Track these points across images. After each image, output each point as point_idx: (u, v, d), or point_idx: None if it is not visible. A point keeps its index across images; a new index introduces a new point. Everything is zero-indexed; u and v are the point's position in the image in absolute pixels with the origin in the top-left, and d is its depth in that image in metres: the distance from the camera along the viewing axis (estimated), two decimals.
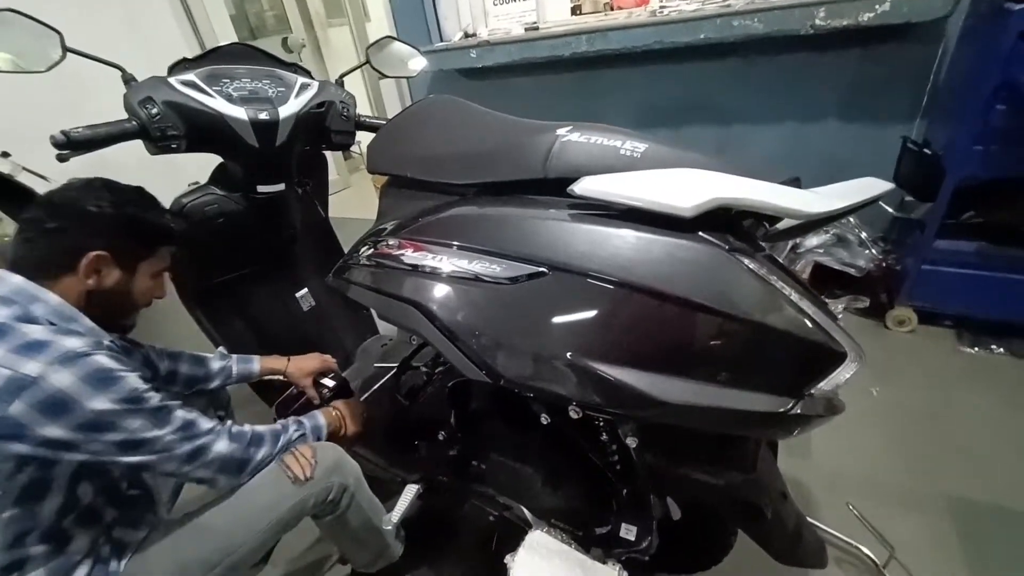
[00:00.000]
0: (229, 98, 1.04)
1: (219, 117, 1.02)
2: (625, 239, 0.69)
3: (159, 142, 0.98)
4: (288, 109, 1.09)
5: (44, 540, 0.72)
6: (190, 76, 1.02)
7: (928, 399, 1.59)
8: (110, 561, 0.77)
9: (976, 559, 1.14)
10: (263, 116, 1.05)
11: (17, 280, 0.72)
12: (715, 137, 2.35)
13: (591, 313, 0.69)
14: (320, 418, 0.97)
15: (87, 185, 0.79)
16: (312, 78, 1.19)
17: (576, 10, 2.35)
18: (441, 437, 1.02)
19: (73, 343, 0.67)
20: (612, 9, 2.30)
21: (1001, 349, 1.73)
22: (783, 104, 2.15)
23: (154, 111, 0.96)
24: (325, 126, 1.20)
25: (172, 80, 1.00)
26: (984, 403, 1.55)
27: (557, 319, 0.71)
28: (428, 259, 0.81)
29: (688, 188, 0.67)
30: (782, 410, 0.64)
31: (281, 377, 1.19)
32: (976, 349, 1.75)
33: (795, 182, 0.73)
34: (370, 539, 1.05)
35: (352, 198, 4.04)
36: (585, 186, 0.71)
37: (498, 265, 0.75)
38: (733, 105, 2.26)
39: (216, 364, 1.10)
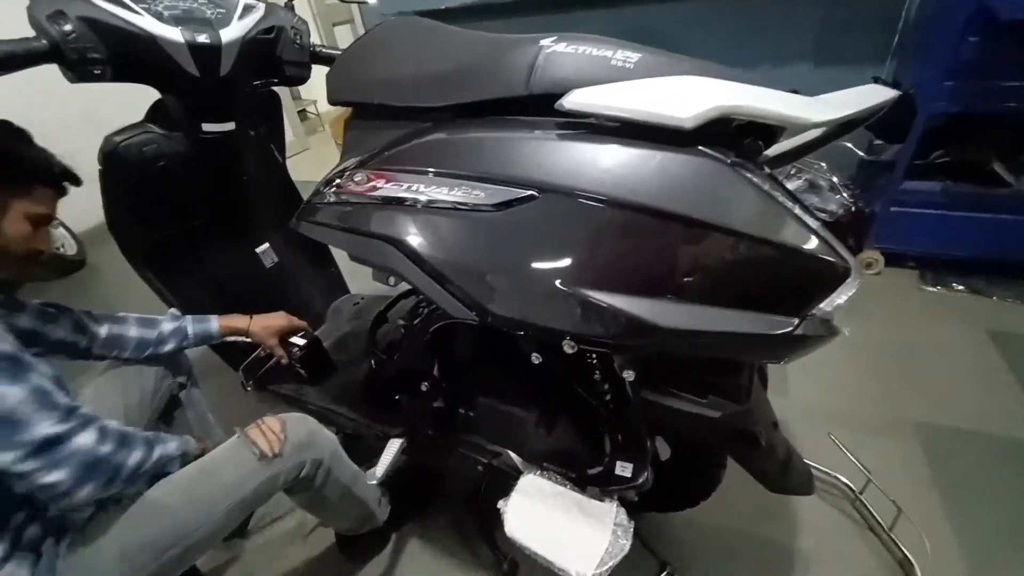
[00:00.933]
0: (159, 16, 0.90)
1: (149, 39, 0.88)
2: (620, 155, 0.64)
3: (77, 67, 0.84)
4: (231, 32, 0.96)
5: None
6: None
7: (894, 335, 1.64)
8: (43, 542, 0.69)
9: (942, 477, 1.19)
10: (202, 39, 0.92)
11: None
12: None
13: (586, 238, 0.64)
14: (191, 445, 0.84)
15: None
16: None
17: None
18: (424, 388, 0.97)
19: None
20: None
21: (961, 287, 1.79)
22: (753, 49, 2.11)
23: (67, 28, 0.82)
24: (276, 56, 1.07)
25: None
26: (945, 337, 1.61)
27: (549, 246, 0.65)
28: (402, 190, 0.73)
29: (687, 97, 0.61)
30: (786, 331, 0.62)
31: (246, 338, 1.10)
32: (938, 288, 1.82)
33: (794, 93, 0.68)
34: (351, 510, 0.99)
35: (311, 160, 3.81)
36: (575, 99, 0.64)
37: (482, 191, 0.68)
38: (703, 51, 2.19)
39: (168, 326, 1.00)
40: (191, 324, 1.02)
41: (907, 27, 1.85)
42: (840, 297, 0.64)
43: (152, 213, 1.07)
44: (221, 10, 0.98)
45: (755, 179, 0.62)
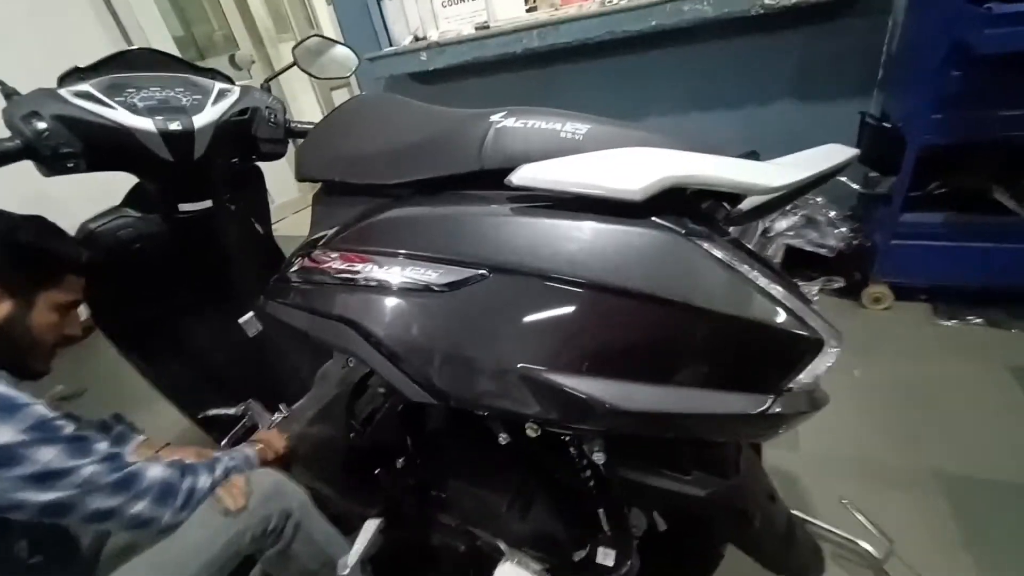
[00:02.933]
0: (133, 109, 0.93)
1: (123, 130, 0.91)
2: (569, 230, 0.62)
3: (50, 162, 0.87)
4: (204, 118, 0.99)
5: None
6: (84, 87, 0.91)
7: (909, 375, 1.55)
8: None
9: (974, 536, 1.09)
10: (174, 126, 0.95)
11: None
12: (674, 126, 2.31)
13: (539, 316, 0.61)
14: (247, 450, 0.88)
15: None
16: (232, 83, 1.09)
17: (531, 8, 2.28)
18: (399, 464, 0.93)
19: None
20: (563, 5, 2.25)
21: (978, 319, 1.70)
22: (739, 88, 2.12)
23: (41, 127, 0.85)
24: (252, 135, 1.09)
25: (63, 92, 0.89)
26: (964, 374, 1.52)
27: (502, 326, 0.62)
28: (356, 270, 0.72)
29: (636, 169, 0.59)
30: (760, 410, 0.57)
31: (230, 412, 1.09)
32: (953, 321, 1.73)
33: (752, 156, 0.66)
34: (325, 574, 0.94)
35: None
36: (522, 175, 0.63)
37: (434, 271, 0.66)
38: (689, 93, 2.22)
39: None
40: None
41: (889, 60, 1.85)
42: (819, 367, 0.60)
43: (132, 295, 1.08)
44: (196, 97, 1.02)
45: (713, 249, 0.59)
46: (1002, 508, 1.14)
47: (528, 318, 0.61)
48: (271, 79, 1.19)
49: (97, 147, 0.91)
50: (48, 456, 0.62)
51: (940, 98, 1.48)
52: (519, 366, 0.60)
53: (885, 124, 1.69)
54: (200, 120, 0.98)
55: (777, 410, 0.57)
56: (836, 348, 0.58)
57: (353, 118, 0.92)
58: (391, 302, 0.68)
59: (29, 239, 0.74)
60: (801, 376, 0.58)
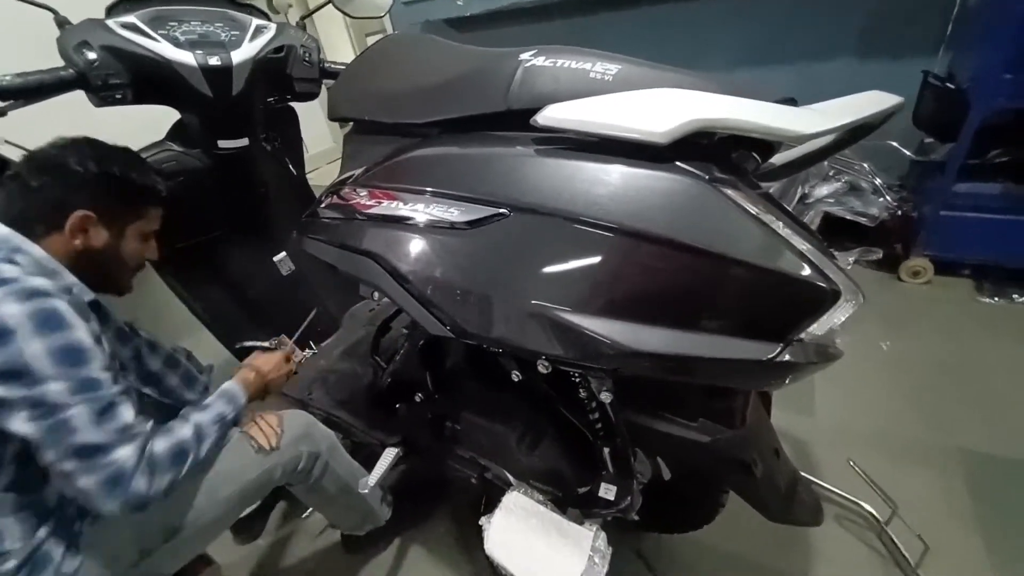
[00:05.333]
0: (176, 42, 0.96)
1: (166, 63, 0.94)
2: (592, 173, 0.62)
3: (101, 92, 0.91)
4: (242, 54, 1.01)
5: (10, 490, 0.68)
6: (130, 18, 0.93)
7: (943, 352, 1.50)
8: (75, 521, 0.75)
9: (986, 514, 1.08)
10: (214, 62, 0.97)
11: (3, 230, 0.68)
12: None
13: (555, 257, 0.62)
14: (235, 393, 0.86)
15: (71, 144, 0.74)
16: (269, 20, 1.10)
17: None
18: (418, 399, 0.98)
19: (38, 282, 0.63)
20: None
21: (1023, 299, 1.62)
22: (792, 41, 1.99)
23: (91, 57, 0.88)
24: (287, 73, 1.11)
25: (110, 22, 0.92)
26: (1005, 355, 1.46)
27: (520, 265, 0.64)
28: (383, 206, 0.74)
29: (663, 111, 0.58)
30: (767, 357, 0.57)
31: (264, 344, 1.16)
32: (996, 299, 1.65)
33: (789, 102, 0.64)
34: (352, 503, 1.02)
35: None
36: (548, 115, 0.63)
37: (456, 208, 0.68)
38: (739, 45, 2.10)
39: (196, 395, 1.01)
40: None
41: (961, 15, 1.69)
42: (833, 320, 0.60)
43: (174, 225, 1.13)
44: (235, 32, 1.03)
45: (737, 196, 0.58)
46: (1020, 488, 1.13)
47: (545, 258, 0.62)
48: (306, 16, 1.19)
49: (142, 79, 0.94)
50: (57, 388, 0.61)
51: (1016, 56, 1.36)
52: (533, 303, 0.62)
53: (949, 85, 1.56)
54: (238, 56, 1.00)
55: (786, 358, 0.57)
56: (853, 302, 0.57)
57: (383, 58, 0.92)
58: (414, 238, 0.71)
59: (124, 172, 0.78)
60: (814, 327, 0.58)
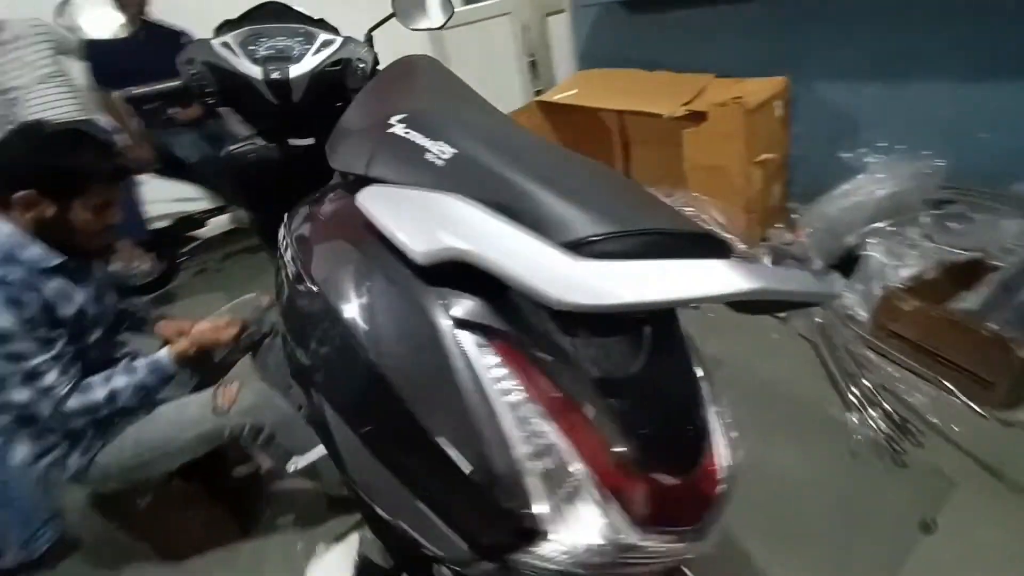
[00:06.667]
0: (252, 56, 1.14)
1: (241, 76, 1.13)
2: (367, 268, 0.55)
3: (197, 98, 1.16)
4: (300, 68, 1.14)
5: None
6: (227, 38, 1.14)
7: None
8: (95, 440, 1.06)
9: None
10: (275, 75, 1.12)
11: None
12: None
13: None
14: (161, 358, 1.06)
15: (18, 131, 0.99)
16: (337, 35, 1.20)
17: None
18: None
19: None
20: None
21: None
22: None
23: (193, 71, 1.13)
24: (344, 84, 1.21)
25: (213, 41, 1.15)
26: None
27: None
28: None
29: (440, 225, 0.48)
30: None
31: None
32: None
33: (701, 245, 0.44)
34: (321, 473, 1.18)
35: None
36: (359, 198, 0.57)
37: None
38: (961, 49, 1.40)
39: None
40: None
41: None
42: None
43: (262, 202, 1.41)
44: (306, 47, 1.17)
45: (472, 352, 0.45)
46: None
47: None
48: (373, 29, 1.25)
49: (226, 88, 1.16)
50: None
51: None
52: None
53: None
54: (296, 70, 1.13)
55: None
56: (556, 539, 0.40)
57: (375, 85, 0.94)
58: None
59: (52, 159, 0.95)
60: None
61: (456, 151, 0.54)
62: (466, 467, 0.43)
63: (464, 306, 0.47)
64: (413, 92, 0.77)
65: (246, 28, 1.15)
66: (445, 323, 0.47)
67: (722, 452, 0.53)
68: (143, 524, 1.25)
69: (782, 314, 1.70)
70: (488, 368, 0.45)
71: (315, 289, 0.59)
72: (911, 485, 1.15)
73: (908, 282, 1.40)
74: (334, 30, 1.20)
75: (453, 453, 0.44)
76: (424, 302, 0.48)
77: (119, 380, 1.02)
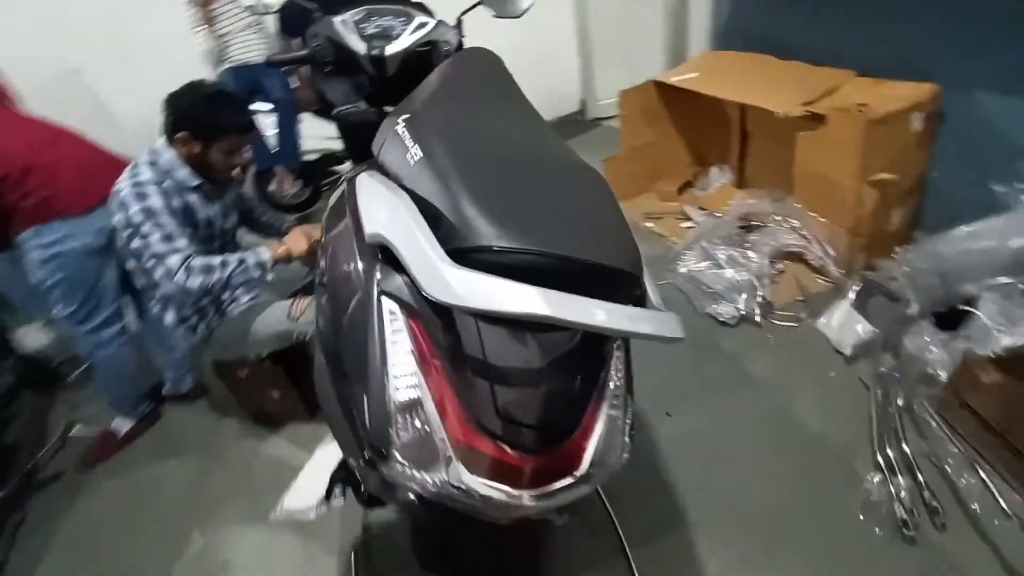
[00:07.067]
0: (362, 34, 1.34)
1: (350, 50, 1.35)
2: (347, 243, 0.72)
3: (318, 67, 1.41)
4: (395, 47, 1.31)
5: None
6: (345, 16, 1.36)
7: None
8: (212, 317, 1.45)
9: None
10: (375, 51, 1.32)
11: (160, 141, 1.35)
12: None
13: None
14: (263, 254, 1.35)
15: (188, 87, 1.33)
16: (432, 17, 1.35)
17: None
18: None
19: (144, 178, 1.29)
20: None
21: None
22: None
23: (316, 44, 1.37)
24: (432, 63, 1.37)
25: (334, 19, 1.37)
26: None
27: None
28: None
29: (381, 216, 0.63)
30: None
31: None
32: None
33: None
34: None
35: None
36: (358, 181, 0.74)
37: None
38: None
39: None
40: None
41: None
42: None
43: (360, 156, 1.65)
44: (404, 27, 1.34)
45: (389, 316, 0.60)
46: None
47: None
48: (463, 14, 1.37)
49: (339, 60, 1.39)
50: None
51: None
52: None
53: None
54: (391, 48, 1.31)
55: None
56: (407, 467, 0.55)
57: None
58: None
59: (203, 112, 1.31)
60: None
61: (422, 155, 0.67)
62: (360, 397, 0.59)
63: (390, 281, 0.61)
64: (438, 91, 0.90)
65: (363, 8, 1.35)
66: (375, 292, 0.62)
67: (593, 445, 0.62)
68: (241, 389, 1.67)
69: (847, 351, 1.55)
70: (393, 331, 0.59)
71: (328, 249, 0.78)
72: (913, 565, 1.06)
73: (1000, 351, 1.19)
74: (429, 13, 1.35)
75: (357, 385, 0.60)
76: (369, 273, 0.64)
77: (229, 257, 1.35)
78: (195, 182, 1.37)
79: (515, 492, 0.58)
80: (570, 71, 3.75)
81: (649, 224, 2.49)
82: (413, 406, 0.57)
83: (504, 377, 0.60)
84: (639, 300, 0.64)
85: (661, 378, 1.61)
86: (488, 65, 1.01)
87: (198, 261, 1.30)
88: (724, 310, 1.77)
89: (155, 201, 1.30)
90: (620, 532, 1.19)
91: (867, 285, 1.63)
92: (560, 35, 3.56)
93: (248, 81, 2.71)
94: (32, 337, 2.10)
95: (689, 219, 2.42)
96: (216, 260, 1.32)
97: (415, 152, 0.68)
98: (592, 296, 0.54)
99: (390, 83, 1.34)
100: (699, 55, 2.56)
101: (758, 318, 1.75)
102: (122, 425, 1.77)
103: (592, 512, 1.23)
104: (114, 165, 1.45)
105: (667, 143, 2.65)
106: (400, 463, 0.57)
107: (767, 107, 1.89)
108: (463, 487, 0.57)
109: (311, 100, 2.95)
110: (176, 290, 1.28)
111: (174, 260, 1.28)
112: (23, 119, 1.67)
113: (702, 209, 2.45)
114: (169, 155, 1.36)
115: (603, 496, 1.24)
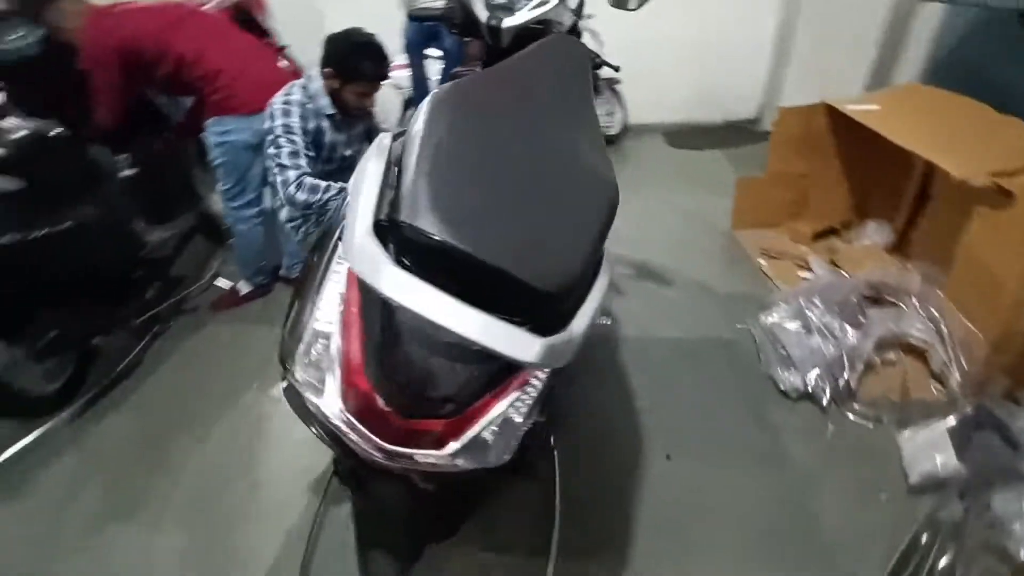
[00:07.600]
0: (488, 3, 1.41)
1: (475, 17, 1.43)
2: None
3: (448, 26, 1.52)
4: (511, 21, 1.36)
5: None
6: None
7: None
8: (312, 223, 1.71)
9: None
10: (493, 22, 1.39)
11: (316, 69, 1.59)
12: None
13: None
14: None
15: (345, 32, 1.54)
16: None
17: None
18: None
19: (294, 98, 1.54)
20: None
21: None
22: None
23: (450, 5, 1.48)
24: None
25: None
26: None
27: None
28: None
29: (368, 181, 0.71)
30: None
31: None
32: None
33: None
34: None
35: None
36: (379, 137, 0.83)
37: None
38: None
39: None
40: None
41: None
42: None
43: None
44: (526, 2, 1.38)
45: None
46: None
47: None
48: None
49: (465, 23, 1.48)
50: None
51: None
52: None
53: None
54: (508, 22, 1.37)
55: None
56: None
57: None
58: None
59: (348, 56, 1.53)
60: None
61: (421, 130, 0.73)
62: (294, 306, 0.71)
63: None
64: (491, 77, 0.93)
65: None
66: (334, 241, 0.72)
67: (470, 434, 0.67)
68: None
69: (912, 478, 1.27)
70: (335, 271, 0.69)
71: None
72: None
73: None
74: None
75: (297, 297, 0.72)
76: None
77: (331, 190, 1.59)
78: (331, 111, 1.63)
79: (378, 441, 0.66)
80: (756, 73, 3.38)
81: (762, 261, 2.23)
82: (324, 337, 0.67)
83: (403, 343, 0.66)
84: (559, 320, 0.64)
85: (684, 421, 1.51)
86: (565, 58, 1.01)
87: (309, 180, 1.55)
88: (788, 378, 1.56)
89: (295, 120, 1.58)
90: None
91: (982, 414, 1.30)
92: (756, 30, 3.21)
93: (426, 28, 2.96)
94: (215, 200, 2.68)
95: (810, 269, 2.11)
96: (323, 184, 1.57)
97: (427, 132, 0.75)
98: (497, 299, 0.57)
99: (503, 54, 1.40)
100: (901, 85, 2.13)
101: (825, 402, 1.51)
102: (243, 287, 2.22)
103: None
104: (284, 83, 1.76)
105: (823, 178, 2.28)
106: (296, 380, 0.68)
107: (943, 165, 1.54)
108: (339, 419, 0.66)
109: (477, 56, 3.13)
110: (286, 197, 1.56)
111: (292, 174, 1.54)
112: (236, 33, 2.06)
113: (832, 264, 2.11)
114: (318, 83, 1.62)
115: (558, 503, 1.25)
